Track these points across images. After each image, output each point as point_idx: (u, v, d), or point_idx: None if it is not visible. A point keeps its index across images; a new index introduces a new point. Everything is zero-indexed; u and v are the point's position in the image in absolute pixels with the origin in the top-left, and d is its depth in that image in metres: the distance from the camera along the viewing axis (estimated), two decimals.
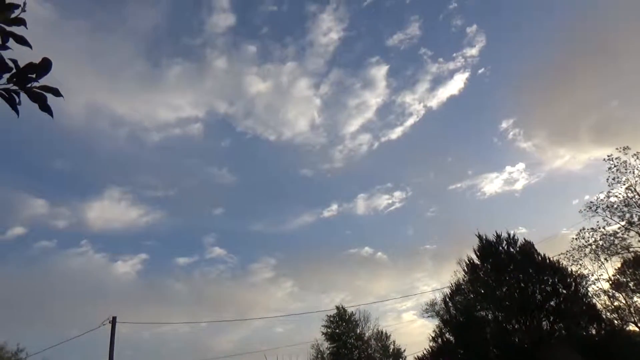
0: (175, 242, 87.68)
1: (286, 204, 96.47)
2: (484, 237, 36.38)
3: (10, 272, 67.06)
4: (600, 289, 34.58)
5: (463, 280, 36.82)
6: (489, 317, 33.77)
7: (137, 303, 68.49)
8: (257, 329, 63.80)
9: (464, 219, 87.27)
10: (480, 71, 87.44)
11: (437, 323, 38.82)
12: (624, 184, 31.51)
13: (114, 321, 24.78)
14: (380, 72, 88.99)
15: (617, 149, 31.81)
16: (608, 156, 32.02)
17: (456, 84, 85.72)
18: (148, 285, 74.13)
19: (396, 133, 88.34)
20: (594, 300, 33.56)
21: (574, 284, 32.30)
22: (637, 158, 31.25)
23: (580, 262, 33.70)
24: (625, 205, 31.45)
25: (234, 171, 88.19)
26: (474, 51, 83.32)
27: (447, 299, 37.29)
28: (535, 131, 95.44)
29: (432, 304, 42.01)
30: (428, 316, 42.50)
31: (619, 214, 31.72)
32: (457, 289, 36.95)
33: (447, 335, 35.47)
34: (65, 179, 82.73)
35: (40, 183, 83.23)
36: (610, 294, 34.75)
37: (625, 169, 31.41)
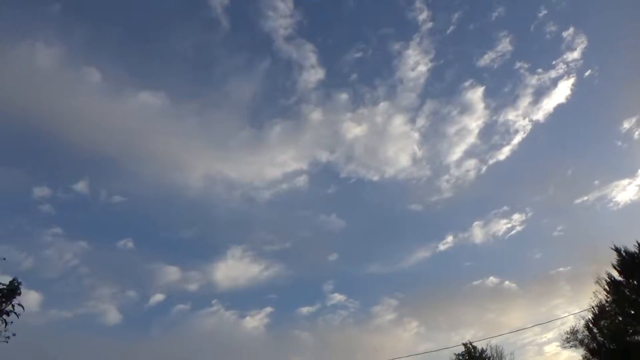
0: (297, 293, 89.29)
1: (399, 242, 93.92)
2: (623, 249, 31.95)
3: (155, 336, 72.84)
4: None
5: (606, 301, 32.34)
6: None
7: (269, 356, 70.19)
8: None
9: (598, 234, 77.79)
10: (586, 73, 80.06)
11: (583, 353, 34.27)
12: None
13: None
14: (476, 95, 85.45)
15: None
16: None
17: (562, 92, 79.01)
18: (276, 338, 75.77)
19: (504, 153, 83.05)
20: None
21: None
22: None
23: None
24: None
25: (342, 216, 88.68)
26: (575, 54, 76.91)
27: (590, 325, 32.89)
28: None
29: (574, 332, 37.20)
30: (570, 346, 37.60)
31: None
32: (600, 312, 32.46)
33: None
34: (192, 245, 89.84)
35: (172, 252, 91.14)
36: None
37: None
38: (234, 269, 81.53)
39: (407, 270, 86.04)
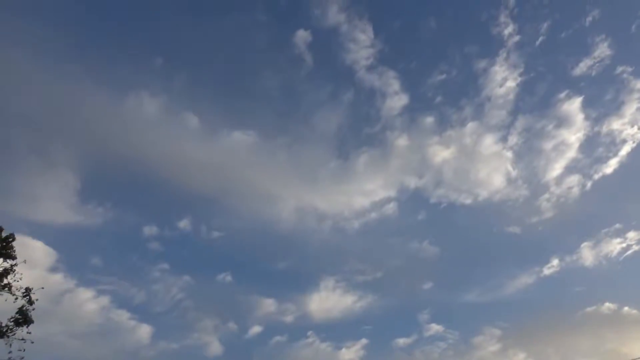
0: (392, 324, 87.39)
1: (498, 268, 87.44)
2: None
3: None
4: None
5: None
6: None
7: None
8: None
9: None
10: None
11: None
12: None
13: None
14: (573, 106, 78.81)
15: None
16: None
17: None
18: None
19: (611, 166, 74.88)
20: None
21: None
22: None
23: None
24: None
25: (435, 243, 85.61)
26: None
27: None
28: None
29: None
30: None
31: None
32: None
33: None
34: (286, 277, 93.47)
35: (268, 284, 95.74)
36: None
37: None
38: (327, 300, 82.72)
39: (508, 297, 79.76)
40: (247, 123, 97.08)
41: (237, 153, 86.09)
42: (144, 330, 78.54)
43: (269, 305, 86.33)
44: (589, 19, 77.34)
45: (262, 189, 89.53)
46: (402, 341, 77.40)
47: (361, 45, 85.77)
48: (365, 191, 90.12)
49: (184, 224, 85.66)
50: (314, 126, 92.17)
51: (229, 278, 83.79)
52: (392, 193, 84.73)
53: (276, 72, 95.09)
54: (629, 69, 74.32)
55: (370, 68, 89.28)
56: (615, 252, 71.78)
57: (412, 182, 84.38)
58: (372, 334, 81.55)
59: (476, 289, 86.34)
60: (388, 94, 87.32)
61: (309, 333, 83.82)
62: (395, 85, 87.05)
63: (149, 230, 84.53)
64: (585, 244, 77.34)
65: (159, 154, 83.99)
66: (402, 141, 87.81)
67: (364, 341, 77.76)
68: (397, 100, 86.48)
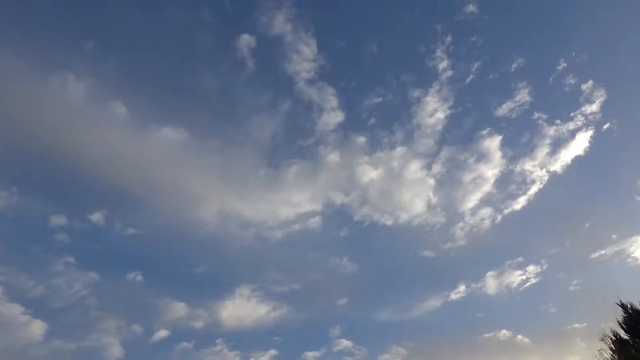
0: (303, 336, 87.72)
1: (410, 289, 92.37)
2: (629, 306, 30.50)
3: None
4: None
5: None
6: None
7: None
8: None
9: (615, 290, 74.87)
10: (605, 127, 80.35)
11: None
12: None
13: None
14: (493, 143, 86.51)
15: None
16: None
17: (580, 144, 79.30)
18: None
19: (520, 203, 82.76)
20: None
21: None
22: None
23: None
24: None
25: (354, 260, 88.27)
26: (594, 107, 77.89)
27: None
28: None
29: None
30: None
31: None
32: None
33: None
34: (202, 281, 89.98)
35: (181, 288, 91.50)
36: None
37: None
38: (241, 309, 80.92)
39: (417, 318, 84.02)
40: (179, 120, 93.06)
41: (165, 149, 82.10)
42: (38, 327, 70.90)
43: (179, 309, 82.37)
44: (515, 65, 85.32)
45: (187, 189, 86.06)
46: (311, 354, 77.88)
47: (304, 58, 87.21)
48: (291, 202, 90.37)
49: (97, 217, 79.33)
50: (248, 131, 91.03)
51: (139, 278, 78.93)
52: (317, 207, 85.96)
53: (216, 73, 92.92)
54: (544, 116, 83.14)
55: (310, 81, 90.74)
56: (515, 283, 78.80)
57: (339, 198, 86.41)
58: (282, 345, 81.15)
59: (388, 308, 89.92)
60: (325, 110, 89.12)
61: (218, 341, 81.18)
62: (333, 101, 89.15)
63: (57, 220, 77.21)
64: (490, 273, 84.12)
65: (79, 142, 77.48)
66: (333, 157, 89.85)
67: (273, 352, 77.05)
68: (333, 117, 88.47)
